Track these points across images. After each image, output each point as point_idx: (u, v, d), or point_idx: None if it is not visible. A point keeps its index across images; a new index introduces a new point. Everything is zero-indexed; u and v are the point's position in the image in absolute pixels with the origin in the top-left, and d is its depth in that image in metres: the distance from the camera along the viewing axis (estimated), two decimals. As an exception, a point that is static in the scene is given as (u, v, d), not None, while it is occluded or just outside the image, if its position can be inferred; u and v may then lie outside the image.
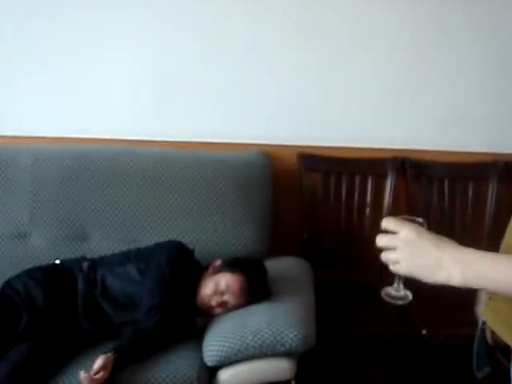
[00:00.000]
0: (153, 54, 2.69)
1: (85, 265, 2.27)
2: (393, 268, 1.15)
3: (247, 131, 2.70)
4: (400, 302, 1.24)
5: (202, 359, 2.00)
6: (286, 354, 1.95)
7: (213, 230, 2.44)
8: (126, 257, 2.28)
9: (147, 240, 2.41)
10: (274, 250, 2.55)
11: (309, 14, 2.61)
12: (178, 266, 2.19)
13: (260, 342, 1.91)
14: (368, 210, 2.69)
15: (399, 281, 1.22)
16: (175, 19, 2.64)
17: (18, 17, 2.69)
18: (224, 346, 1.93)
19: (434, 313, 2.44)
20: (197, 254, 2.32)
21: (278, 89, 2.68)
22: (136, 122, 2.74)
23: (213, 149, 2.62)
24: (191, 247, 2.30)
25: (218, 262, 2.24)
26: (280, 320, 1.97)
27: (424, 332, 2.33)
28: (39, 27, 2.69)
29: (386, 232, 1.15)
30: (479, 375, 1.36)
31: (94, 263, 2.29)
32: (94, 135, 2.70)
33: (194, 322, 2.18)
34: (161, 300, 2.11)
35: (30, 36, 2.70)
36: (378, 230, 2.57)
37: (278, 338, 1.91)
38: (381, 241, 1.16)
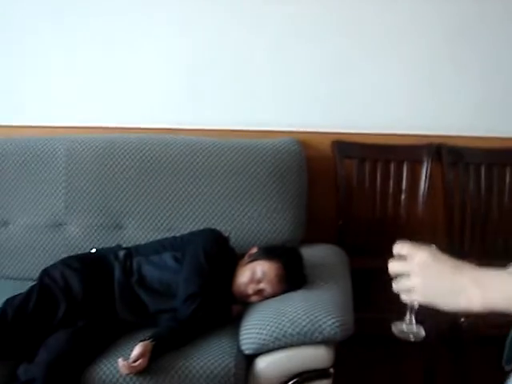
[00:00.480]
0: (187, 40, 2.67)
1: (121, 253, 2.28)
2: (406, 297, 1.09)
3: (282, 119, 2.68)
4: (412, 338, 1.16)
5: (239, 347, 1.99)
6: (324, 342, 1.93)
7: (248, 217, 2.43)
8: (161, 245, 2.28)
9: (182, 228, 2.42)
10: (309, 238, 2.53)
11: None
12: (214, 255, 2.19)
13: (298, 330, 1.90)
14: (403, 197, 2.66)
15: (411, 313, 1.15)
16: (210, 3, 2.62)
17: (52, 4, 2.70)
18: (262, 333, 1.92)
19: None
20: (232, 242, 2.31)
21: (312, 76, 2.66)
22: (170, 111, 2.74)
23: (247, 137, 2.59)
24: (226, 235, 2.30)
25: (254, 250, 2.23)
26: (318, 308, 1.96)
27: (462, 320, 2.30)
28: (72, 14, 2.70)
29: (399, 257, 1.10)
30: (507, 368, 1.32)
31: (130, 252, 2.29)
32: (128, 124, 2.70)
33: (230, 309, 2.18)
34: (198, 289, 2.10)
35: (62, 24, 2.71)
36: (413, 217, 2.56)
37: (316, 325, 1.90)
38: (394, 267, 1.11)
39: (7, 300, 2.11)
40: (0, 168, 2.58)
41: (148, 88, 2.73)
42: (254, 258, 2.18)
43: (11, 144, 2.61)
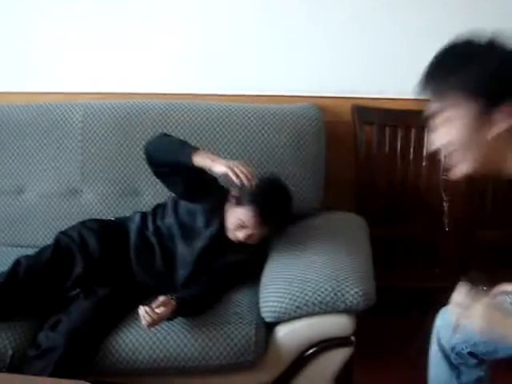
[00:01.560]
0: (205, 3, 2.61)
1: (137, 215, 2.28)
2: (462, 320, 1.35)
3: (300, 84, 2.61)
4: None
5: (259, 314, 1.98)
6: (346, 311, 1.91)
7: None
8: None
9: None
10: (328, 205, 2.50)
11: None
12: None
13: (320, 299, 1.87)
14: (424, 164, 2.60)
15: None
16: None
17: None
18: (283, 302, 1.90)
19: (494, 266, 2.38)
20: None
21: (331, 40, 2.58)
22: (188, 76, 2.68)
23: (266, 102, 2.54)
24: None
25: (234, 193, 2.18)
26: (340, 276, 1.92)
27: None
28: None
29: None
30: None
31: (146, 213, 2.29)
32: (146, 90, 2.66)
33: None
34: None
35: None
36: (433, 184, 2.50)
37: (339, 294, 1.87)
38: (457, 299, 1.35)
39: (18, 259, 2.09)
40: (15, 134, 2.54)
41: (165, 53, 2.67)
42: (236, 203, 2.15)
43: (26, 110, 2.57)
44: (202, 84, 2.66)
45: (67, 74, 2.76)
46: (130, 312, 2.02)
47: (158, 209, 2.28)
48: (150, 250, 2.19)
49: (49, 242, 2.26)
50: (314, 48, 2.60)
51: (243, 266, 2.20)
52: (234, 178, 1.94)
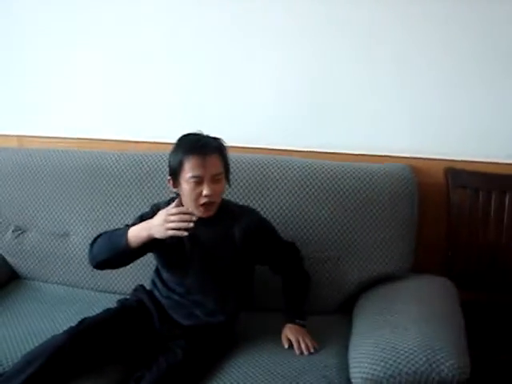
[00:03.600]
0: (296, 58, 2.64)
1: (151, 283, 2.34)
2: None
3: (393, 144, 2.61)
4: None
5: (348, 379, 1.93)
6: (440, 383, 1.85)
7: (356, 244, 2.38)
8: None
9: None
10: (417, 268, 2.45)
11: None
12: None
13: (414, 369, 1.81)
14: (518, 231, 2.53)
15: None
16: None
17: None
18: (375, 369, 1.84)
19: None
20: (338, 267, 2.33)
21: (424, 100, 2.57)
22: (285, 132, 2.72)
23: (359, 161, 2.55)
24: (332, 261, 2.33)
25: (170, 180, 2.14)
26: (435, 346, 1.86)
27: None
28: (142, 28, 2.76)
29: None
30: None
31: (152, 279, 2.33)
32: (244, 144, 2.69)
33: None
34: None
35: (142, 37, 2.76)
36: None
37: (434, 365, 1.81)
38: None
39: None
40: (109, 181, 2.63)
41: (263, 108, 2.72)
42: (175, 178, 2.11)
43: (118, 159, 2.67)
44: (297, 140, 2.69)
45: (161, 124, 2.84)
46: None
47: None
48: (177, 303, 2.20)
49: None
50: (407, 109, 2.59)
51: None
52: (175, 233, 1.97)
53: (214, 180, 2.06)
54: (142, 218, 2.17)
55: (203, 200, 2.06)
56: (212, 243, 2.16)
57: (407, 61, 2.54)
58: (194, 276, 2.17)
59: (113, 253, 2.11)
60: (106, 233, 2.19)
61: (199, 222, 2.03)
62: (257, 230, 2.18)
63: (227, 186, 2.16)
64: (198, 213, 2.08)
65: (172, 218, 1.97)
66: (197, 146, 2.05)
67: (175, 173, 2.09)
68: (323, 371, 2.00)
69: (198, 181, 2.04)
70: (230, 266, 2.18)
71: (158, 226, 2.00)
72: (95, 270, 2.44)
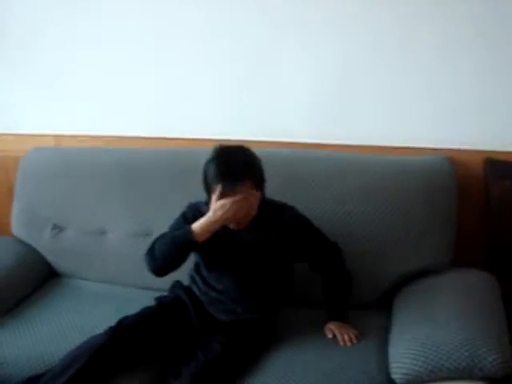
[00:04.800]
0: (337, 48, 2.59)
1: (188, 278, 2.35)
2: None
3: (431, 135, 2.56)
4: None
5: (388, 375, 1.92)
6: (483, 379, 1.81)
7: (395, 239, 2.35)
8: None
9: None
10: (456, 261, 2.41)
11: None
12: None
13: (456, 365, 1.79)
14: (560, 222, 2.47)
15: None
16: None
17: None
18: (416, 364, 1.83)
19: None
20: (377, 261, 2.31)
21: (462, 90, 2.51)
22: (316, 125, 2.68)
23: (396, 154, 2.52)
24: (371, 255, 2.31)
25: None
26: (477, 341, 1.83)
27: None
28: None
29: None
30: None
31: (192, 275, 2.35)
32: (272, 138, 2.69)
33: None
34: None
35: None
36: None
37: (476, 360, 1.78)
38: None
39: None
40: (144, 178, 2.64)
41: (294, 100, 2.69)
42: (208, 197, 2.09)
43: (155, 155, 2.69)
44: (329, 133, 2.65)
45: (196, 120, 2.84)
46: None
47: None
48: (217, 300, 2.21)
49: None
50: (445, 99, 2.54)
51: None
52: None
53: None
54: (185, 216, 2.19)
55: (237, 221, 2.09)
56: (251, 243, 2.16)
57: (444, 51, 2.49)
58: (233, 275, 2.18)
59: (179, 253, 2.09)
60: (160, 239, 2.15)
61: None
62: (294, 227, 2.17)
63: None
64: (230, 226, 2.10)
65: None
66: (225, 174, 2.02)
67: (206, 189, 2.09)
68: (363, 367, 2.00)
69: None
70: (269, 265, 2.19)
71: (216, 211, 2.01)
72: (132, 267, 2.49)
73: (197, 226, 2.05)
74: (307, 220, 2.23)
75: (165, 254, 2.10)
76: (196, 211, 2.15)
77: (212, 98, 2.80)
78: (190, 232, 2.04)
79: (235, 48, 2.71)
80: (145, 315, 2.17)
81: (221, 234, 2.11)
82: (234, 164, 2.05)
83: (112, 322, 2.13)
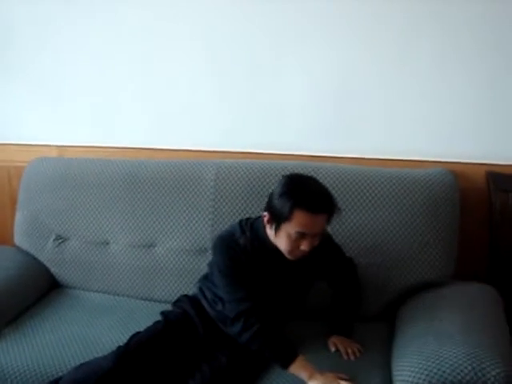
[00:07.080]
0: (335, 63, 2.63)
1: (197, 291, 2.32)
2: None
3: (432, 148, 2.58)
4: None
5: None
6: (486, 392, 1.81)
7: (397, 251, 2.36)
8: None
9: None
10: (459, 274, 2.42)
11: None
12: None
13: (459, 378, 1.78)
14: (562, 236, 2.48)
15: None
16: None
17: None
18: (419, 378, 1.82)
19: None
20: (380, 273, 2.31)
21: (463, 103, 2.54)
22: (318, 138, 2.71)
23: (398, 166, 2.53)
24: (374, 267, 2.32)
25: (267, 216, 2.04)
26: (480, 354, 1.82)
27: None
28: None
29: None
30: None
31: (201, 288, 2.31)
32: (279, 151, 2.71)
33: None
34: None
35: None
36: None
37: (479, 374, 1.77)
38: None
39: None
40: (149, 189, 2.64)
41: (296, 115, 2.71)
42: (278, 222, 2.00)
43: (162, 166, 2.67)
44: (331, 146, 2.68)
45: (199, 132, 2.85)
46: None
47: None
48: (225, 314, 2.15)
49: (175, 298, 2.37)
50: (446, 112, 2.56)
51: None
52: None
53: (315, 235, 2.02)
54: (235, 259, 2.10)
55: (299, 253, 2.03)
56: (285, 265, 2.11)
57: (443, 64, 2.52)
58: (258, 293, 2.11)
59: (266, 353, 2.03)
60: (273, 336, 2.03)
61: None
62: (325, 249, 2.14)
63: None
64: (288, 256, 2.06)
65: None
66: (312, 200, 1.95)
67: (278, 218, 1.99)
68: (367, 380, 1.98)
69: (301, 236, 1.99)
70: (296, 285, 2.19)
71: (320, 378, 1.93)
72: (135, 278, 2.50)
73: (299, 366, 1.97)
74: (331, 237, 2.22)
75: (260, 346, 2.02)
76: (236, 246, 2.09)
77: (214, 110, 2.81)
78: (291, 361, 1.97)
79: (236, 61, 2.73)
80: (152, 336, 2.12)
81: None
82: (320, 192, 2.00)
83: (115, 333, 2.13)
